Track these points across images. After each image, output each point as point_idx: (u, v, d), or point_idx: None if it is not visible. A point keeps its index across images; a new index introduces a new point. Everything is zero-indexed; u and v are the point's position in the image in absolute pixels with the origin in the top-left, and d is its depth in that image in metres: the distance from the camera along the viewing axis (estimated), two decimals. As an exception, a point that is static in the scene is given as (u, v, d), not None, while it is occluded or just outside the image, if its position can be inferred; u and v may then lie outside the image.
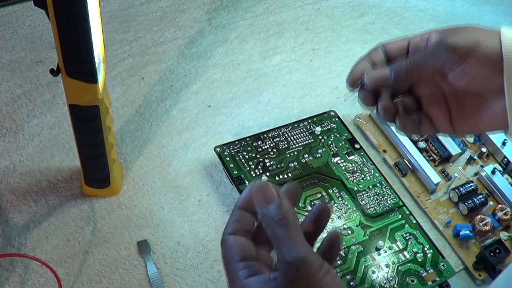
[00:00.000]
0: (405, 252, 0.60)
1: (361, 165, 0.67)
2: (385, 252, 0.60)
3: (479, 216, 0.63)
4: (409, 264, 0.59)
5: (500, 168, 0.69)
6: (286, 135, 0.68)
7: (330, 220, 0.60)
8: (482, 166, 0.69)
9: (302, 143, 0.68)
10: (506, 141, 0.70)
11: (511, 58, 0.39)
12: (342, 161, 0.67)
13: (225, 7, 0.86)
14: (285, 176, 0.64)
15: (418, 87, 0.46)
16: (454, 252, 0.63)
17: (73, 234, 0.59)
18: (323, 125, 0.70)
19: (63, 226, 0.60)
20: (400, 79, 0.43)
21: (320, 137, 0.69)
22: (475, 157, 0.70)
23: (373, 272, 0.58)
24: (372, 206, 0.63)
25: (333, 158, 0.67)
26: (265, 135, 0.68)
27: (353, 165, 0.66)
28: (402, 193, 0.66)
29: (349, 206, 0.63)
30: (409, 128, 0.45)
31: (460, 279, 0.62)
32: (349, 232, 0.61)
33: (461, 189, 0.65)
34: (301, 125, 0.70)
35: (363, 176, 0.66)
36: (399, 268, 0.59)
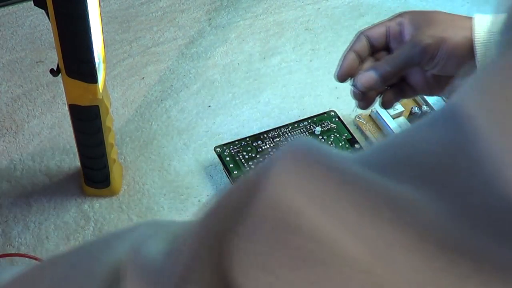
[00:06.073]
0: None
1: (361, 165, 0.67)
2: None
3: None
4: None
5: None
6: (286, 135, 0.68)
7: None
8: (482, 166, 0.69)
9: (302, 143, 0.68)
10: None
11: (480, 47, 0.51)
12: (342, 161, 0.67)
13: (225, 7, 0.86)
14: (285, 176, 0.64)
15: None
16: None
17: (73, 234, 0.59)
18: (323, 125, 0.70)
19: (63, 226, 0.60)
20: (385, 80, 0.54)
21: (320, 137, 0.69)
22: (475, 157, 0.70)
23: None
24: (372, 206, 0.63)
25: (333, 158, 0.67)
26: (265, 135, 0.68)
27: (353, 165, 0.66)
28: (402, 193, 0.66)
29: (349, 206, 0.63)
30: (393, 102, 0.58)
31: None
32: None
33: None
34: (301, 125, 0.70)
35: (363, 176, 0.66)
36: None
